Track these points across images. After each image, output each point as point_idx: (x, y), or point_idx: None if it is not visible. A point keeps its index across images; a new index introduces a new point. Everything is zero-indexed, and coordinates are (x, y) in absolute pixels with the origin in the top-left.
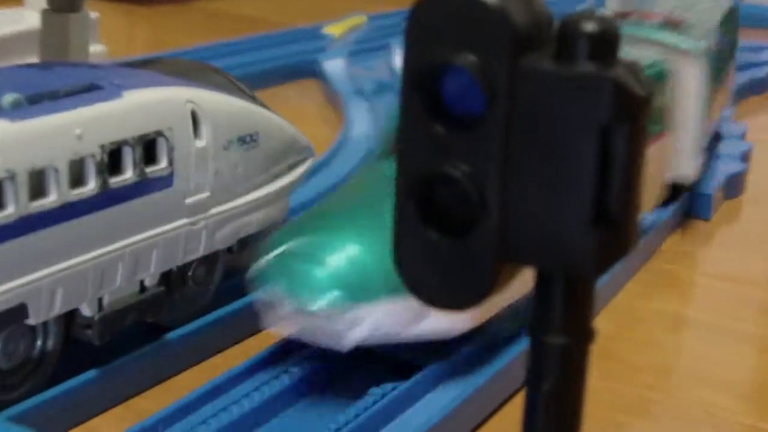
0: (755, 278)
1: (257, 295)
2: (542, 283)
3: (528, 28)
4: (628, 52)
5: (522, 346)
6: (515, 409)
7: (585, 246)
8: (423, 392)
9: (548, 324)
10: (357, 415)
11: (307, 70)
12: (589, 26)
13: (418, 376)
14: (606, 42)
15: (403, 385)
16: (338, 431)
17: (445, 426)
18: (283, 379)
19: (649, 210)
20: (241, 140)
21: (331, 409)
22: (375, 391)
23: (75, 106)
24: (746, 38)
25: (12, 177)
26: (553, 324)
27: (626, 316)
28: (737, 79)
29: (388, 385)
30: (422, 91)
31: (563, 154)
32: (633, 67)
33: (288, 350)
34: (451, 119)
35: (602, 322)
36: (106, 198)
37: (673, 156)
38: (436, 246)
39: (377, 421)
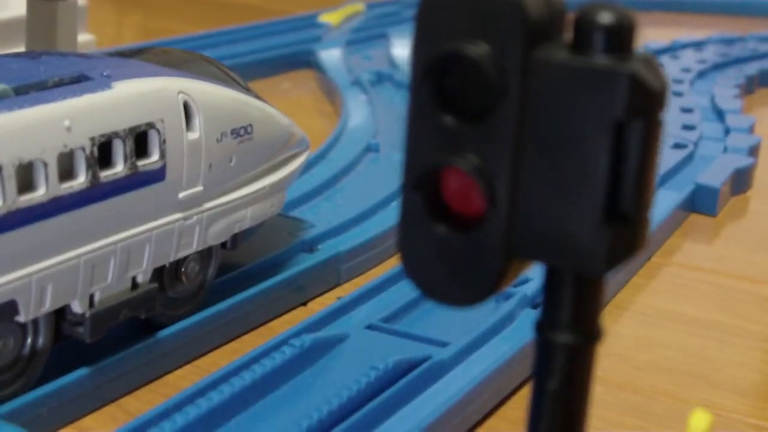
0: (762, 276)
1: None
2: (551, 280)
3: (542, 18)
4: None
5: (521, 344)
6: (516, 407)
7: (596, 243)
8: (423, 388)
9: (556, 322)
10: (351, 398)
11: (302, 60)
12: (606, 17)
13: (417, 371)
14: (623, 34)
15: (403, 381)
16: (332, 413)
17: (444, 423)
18: (274, 357)
19: None
20: (235, 132)
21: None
22: (370, 382)
23: (64, 98)
24: (755, 28)
25: None
26: (561, 322)
27: (629, 314)
28: (746, 70)
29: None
30: (432, 80)
31: (576, 149)
32: (649, 61)
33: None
34: (461, 110)
35: (605, 320)
36: (97, 192)
37: None
38: (443, 241)
39: (376, 417)
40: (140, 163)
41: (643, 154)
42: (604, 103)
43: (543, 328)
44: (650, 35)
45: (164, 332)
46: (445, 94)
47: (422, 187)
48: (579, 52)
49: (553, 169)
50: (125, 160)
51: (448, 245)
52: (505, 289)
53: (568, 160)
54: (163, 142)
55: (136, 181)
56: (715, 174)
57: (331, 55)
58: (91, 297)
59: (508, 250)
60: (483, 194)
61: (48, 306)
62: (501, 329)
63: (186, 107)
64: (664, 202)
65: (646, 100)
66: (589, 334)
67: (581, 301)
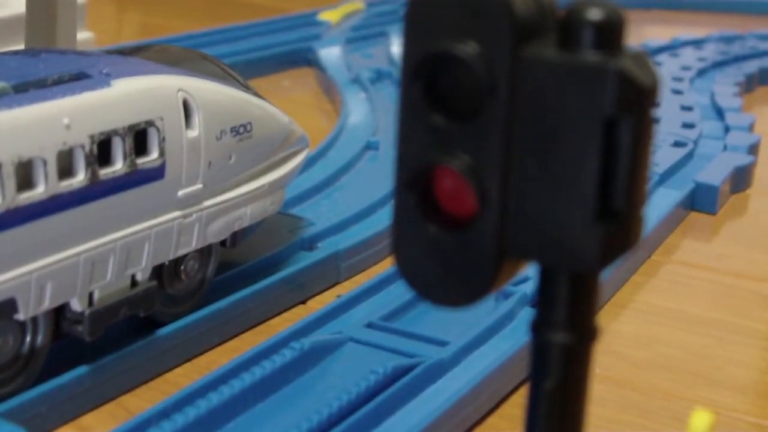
0: (761, 274)
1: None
2: (545, 279)
3: (530, 16)
4: None
5: (521, 343)
6: (515, 405)
7: (589, 241)
8: (422, 387)
9: (552, 322)
10: (350, 402)
11: (302, 58)
12: (594, 14)
13: (416, 371)
14: (612, 30)
15: (402, 380)
16: (331, 416)
17: (443, 422)
18: (274, 360)
19: None
20: (235, 130)
21: (326, 397)
22: (369, 386)
23: (63, 95)
24: (755, 26)
25: None
26: (556, 322)
27: (628, 311)
28: (746, 68)
29: (383, 381)
30: (422, 80)
31: (566, 147)
32: (640, 57)
33: (283, 344)
34: (451, 110)
35: (604, 318)
36: (96, 190)
37: None
38: (435, 240)
39: (376, 417)
40: (139, 161)
41: (635, 150)
42: (593, 100)
43: (538, 328)
44: (650, 33)
45: (164, 330)
46: (435, 94)
47: (414, 186)
48: (568, 49)
49: (545, 168)
50: (124, 158)
51: (441, 245)
52: (502, 288)
53: (559, 158)
54: (162, 140)
55: (135, 179)
56: (714, 172)
57: (330, 53)
58: (91, 295)
59: (500, 250)
60: (474, 194)
61: (47, 304)
62: (500, 328)
63: (185, 105)
64: (663, 201)
65: (635, 96)
66: (584, 333)
67: (576, 300)
